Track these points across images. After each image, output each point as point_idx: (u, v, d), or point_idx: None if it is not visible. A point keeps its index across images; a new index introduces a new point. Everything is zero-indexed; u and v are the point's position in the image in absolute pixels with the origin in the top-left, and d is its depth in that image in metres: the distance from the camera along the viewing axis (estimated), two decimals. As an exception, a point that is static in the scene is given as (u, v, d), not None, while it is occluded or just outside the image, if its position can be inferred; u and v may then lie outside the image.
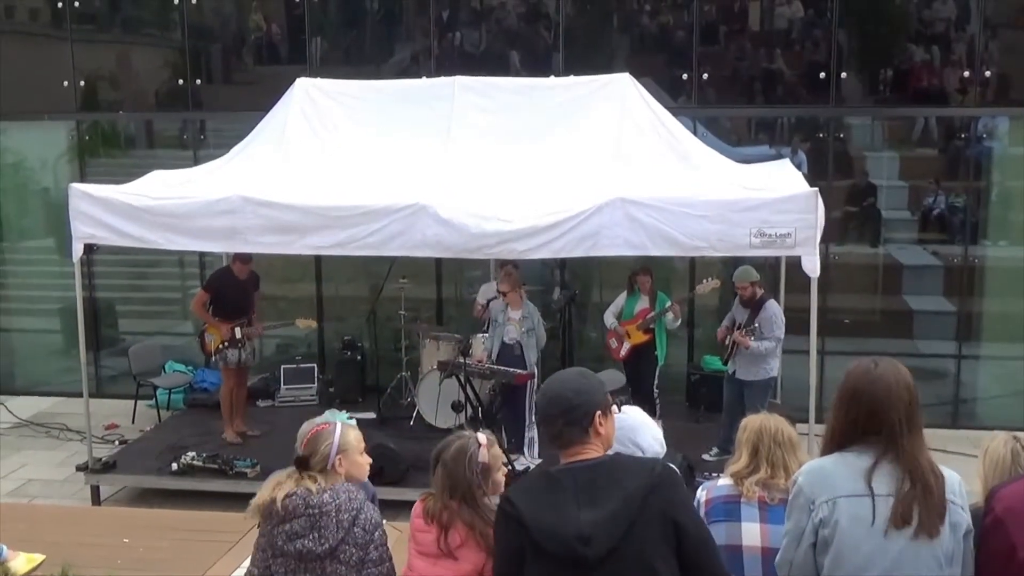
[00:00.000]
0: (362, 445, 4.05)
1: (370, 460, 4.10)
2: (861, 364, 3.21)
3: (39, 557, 5.41)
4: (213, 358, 9.51)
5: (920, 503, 3.01)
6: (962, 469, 3.38)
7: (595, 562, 2.98)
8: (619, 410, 3.58)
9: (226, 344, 9.36)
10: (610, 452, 3.27)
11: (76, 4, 11.79)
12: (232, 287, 9.41)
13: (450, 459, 3.87)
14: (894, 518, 3.01)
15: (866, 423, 3.11)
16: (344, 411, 4.18)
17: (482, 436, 3.94)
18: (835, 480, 3.10)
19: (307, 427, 3.98)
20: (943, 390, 10.91)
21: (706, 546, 3.12)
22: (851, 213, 11.26)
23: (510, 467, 8.51)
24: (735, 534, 3.99)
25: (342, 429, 3.97)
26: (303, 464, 3.88)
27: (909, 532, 3.02)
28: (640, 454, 3.75)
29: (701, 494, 4.18)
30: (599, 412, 3.21)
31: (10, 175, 12.75)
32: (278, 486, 3.87)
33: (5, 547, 5.27)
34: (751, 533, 3.96)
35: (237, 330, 9.37)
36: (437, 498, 3.87)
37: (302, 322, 10.07)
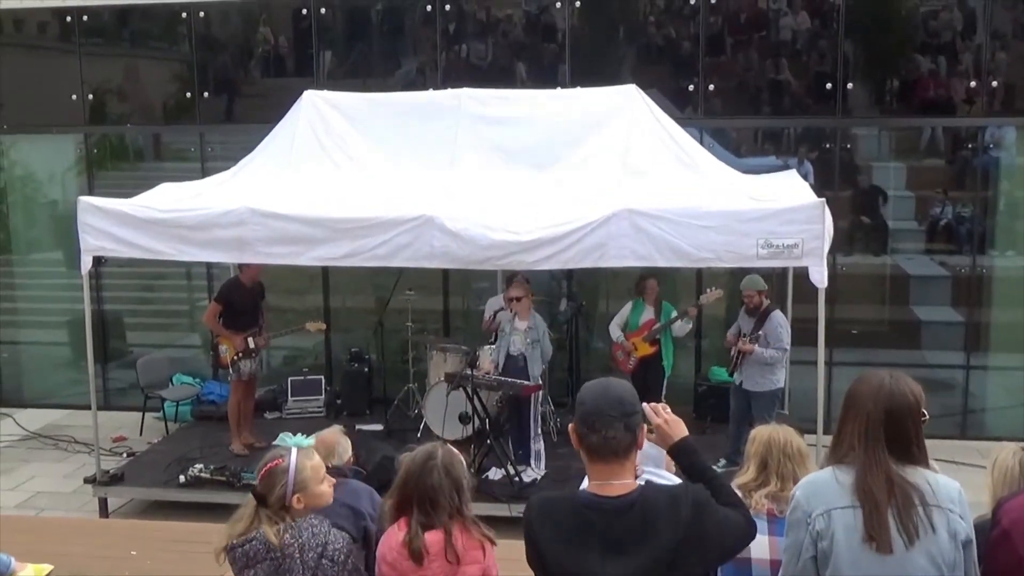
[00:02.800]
0: (321, 473, 3.91)
1: (334, 482, 3.97)
2: (863, 375, 3.20)
3: (47, 568, 5.43)
4: (229, 370, 9.52)
5: (884, 515, 3.00)
6: (971, 480, 3.38)
7: None
8: None
9: (240, 355, 9.39)
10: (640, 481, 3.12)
11: (85, 18, 11.85)
12: (242, 296, 9.47)
13: (425, 472, 3.72)
14: (867, 532, 3.01)
15: (856, 432, 3.11)
16: (300, 434, 4.02)
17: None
18: (829, 492, 3.10)
19: (265, 459, 3.86)
20: (951, 401, 10.87)
21: (728, 550, 3.14)
22: (858, 223, 11.24)
23: (518, 479, 8.53)
24: (744, 546, 3.98)
25: (298, 463, 3.81)
26: (261, 500, 3.81)
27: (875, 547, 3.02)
28: (648, 458, 3.69)
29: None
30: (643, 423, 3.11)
31: (19, 188, 12.81)
32: (235, 524, 3.79)
33: (13, 559, 5.29)
34: (760, 546, 3.94)
35: (250, 340, 9.41)
36: (430, 521, 3.71)
37: (312, 325, 10.09)
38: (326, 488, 3.92)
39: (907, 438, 3.08)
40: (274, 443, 4.04)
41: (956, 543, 3.03)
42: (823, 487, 3.13)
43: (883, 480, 3.02)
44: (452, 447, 3.88)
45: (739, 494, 4.00)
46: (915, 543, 2.98)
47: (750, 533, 3.17)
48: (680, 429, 3.28)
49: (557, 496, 3.14)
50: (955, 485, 3.11)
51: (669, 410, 3.31)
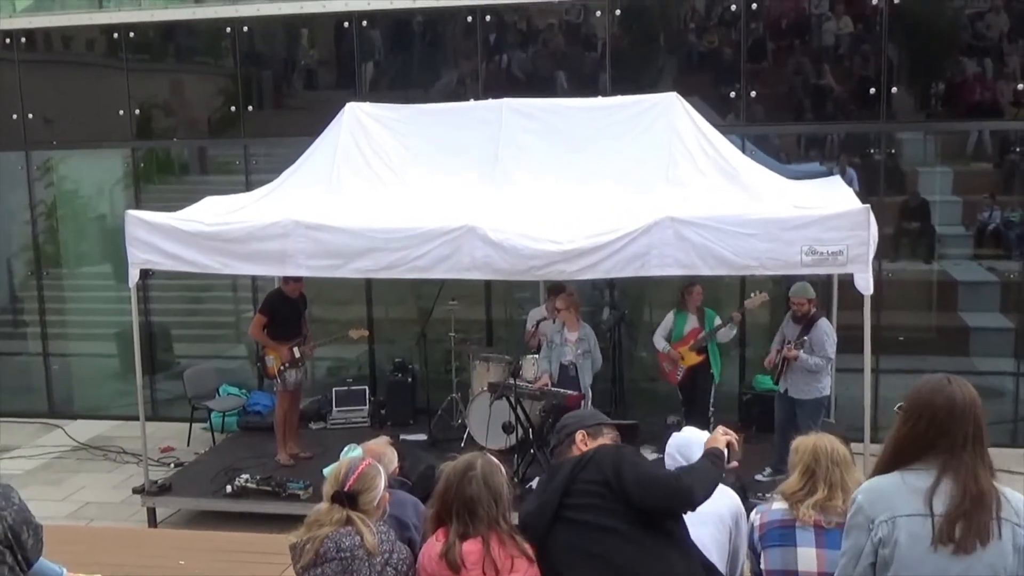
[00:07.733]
0: None
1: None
2: (933, 379, 3.14)
3: (98, 578, 5.48)
4: (276, 380, 9.59)
5: (964, 520, 2.95)
6: (1022, 490, 3.32)
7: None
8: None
9: (287, 365, 9.46)
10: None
11: (131, 34, 12.03)
12: (285, 307, 9.53)
13: (466, 481, 3.73)
14: (939, 535, 2.95)
15: (934, 438, 3.05)
16: (351, 444, 4.34)
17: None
18: (895, 499, 3.04)
19: (351, 463, 3.92)
20: (1002, 408, 10.68)
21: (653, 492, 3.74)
22: (904, 229, 11.10)
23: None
24: (791, 559, 3.94)
25: (382, 469, 3.99)
26: (349, 501, 3.83)
27: (952, 549, 2.96)
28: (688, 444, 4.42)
29: (755, 518, 4.14)
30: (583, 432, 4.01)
31: (68, 202, 13.01)
32: (317, 526, 3.79)
33: (64, 569, 5.34)
34: (807, 558, 3.90)
35: (296, 350, 9.48)
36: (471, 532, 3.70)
37: (355, 332, 10.12)
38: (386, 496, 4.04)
39: (976, 442, 3.04)
40: (343, 453, 4.28)
41: (1020, 557, 2.99)
42: (888, 493, 3.07)
43: (960, 486, 2.97)
44: (493, 457, 3.87)
45: (786, 505, 4.00)
46: (982, 550, 2.94)
47: (678, 489, 3.72)
48: (719, 443, 4.04)
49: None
50: (1020, 497, 3.07)
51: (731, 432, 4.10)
